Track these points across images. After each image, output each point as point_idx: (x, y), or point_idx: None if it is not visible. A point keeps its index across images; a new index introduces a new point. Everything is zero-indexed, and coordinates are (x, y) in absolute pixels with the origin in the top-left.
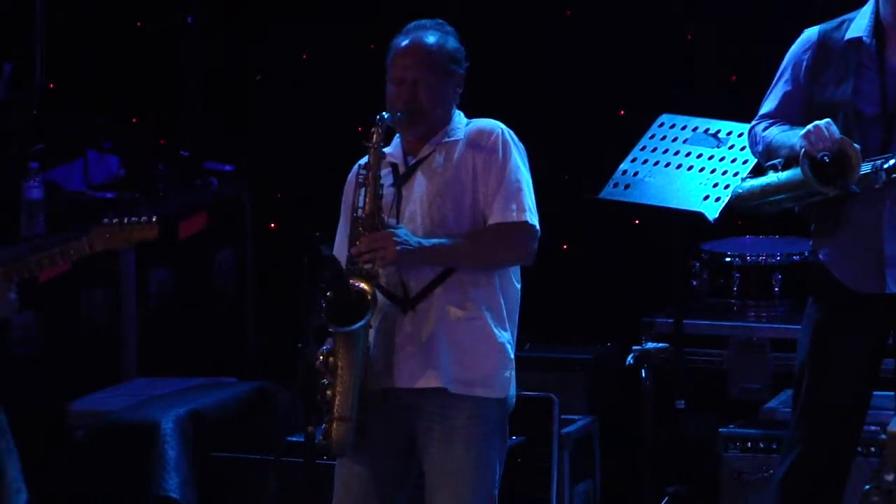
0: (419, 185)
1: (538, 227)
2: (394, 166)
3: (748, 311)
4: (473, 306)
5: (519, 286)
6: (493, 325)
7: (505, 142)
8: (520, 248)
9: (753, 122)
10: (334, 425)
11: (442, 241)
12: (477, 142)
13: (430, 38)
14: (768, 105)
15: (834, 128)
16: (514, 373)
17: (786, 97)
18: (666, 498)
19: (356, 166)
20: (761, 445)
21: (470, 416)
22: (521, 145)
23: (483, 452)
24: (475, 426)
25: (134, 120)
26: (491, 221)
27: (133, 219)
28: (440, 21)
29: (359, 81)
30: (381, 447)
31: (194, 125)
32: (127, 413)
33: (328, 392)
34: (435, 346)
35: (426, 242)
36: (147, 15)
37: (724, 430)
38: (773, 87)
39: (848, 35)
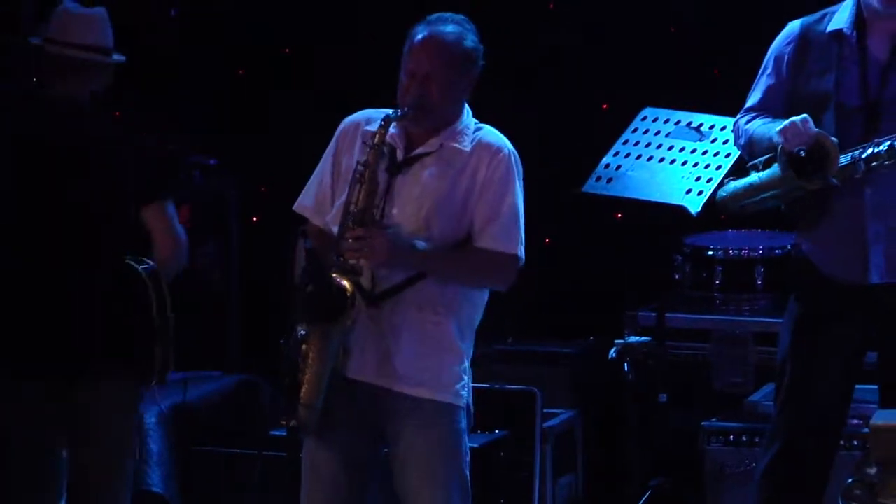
0: (415, 183)
1: (524, 259)
2: (391, 149)
3: (730, 305)
4: (440, 312)
5: (486, 297)
6: (455, 334)
7: (510, 164)
8: (504, 279)
9: (738, 116)
10: (299, 410)
11: (432, 248)
12: (483, 158)
13: (449, 34)
14: (752, 99)
15: (810, 123)
16: (470, 382)
17: (769, 91)
18: (649, 491)
19: (350, 122)
20: (744, 439)
21: (433, 412)
22: (521, 168)
23: (453, 437)
24: (441, 422)
25: (117, 114)
26: (481, 245)
27: None
28: (462, 16)
29: (343, 75)
30: (349, 433)
31: (177, 119)
32: None
33: (298, 377)
34: (395, 347)
35: (418, 245)
36: (130, 9)
37: (707, 423)
38: (757, 81)
39: (829, 27)
